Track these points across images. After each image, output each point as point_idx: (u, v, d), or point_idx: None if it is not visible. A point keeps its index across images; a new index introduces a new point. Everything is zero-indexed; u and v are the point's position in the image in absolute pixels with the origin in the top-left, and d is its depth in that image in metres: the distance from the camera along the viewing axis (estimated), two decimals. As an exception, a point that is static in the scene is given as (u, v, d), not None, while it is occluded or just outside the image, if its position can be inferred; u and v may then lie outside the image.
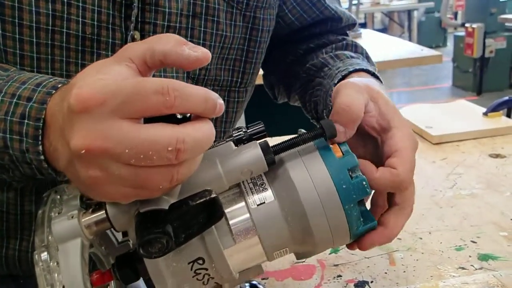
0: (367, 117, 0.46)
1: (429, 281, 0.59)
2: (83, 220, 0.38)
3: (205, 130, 0.34)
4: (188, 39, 0.58)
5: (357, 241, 0.44)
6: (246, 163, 0.38)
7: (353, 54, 0.67)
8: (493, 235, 0.67)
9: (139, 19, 0.55)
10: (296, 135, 0.42)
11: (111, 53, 0.54)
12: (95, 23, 0.53)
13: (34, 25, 0.51)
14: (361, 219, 0.42)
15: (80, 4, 0.52)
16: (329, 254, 0.66)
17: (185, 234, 0.35)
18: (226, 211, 0.39)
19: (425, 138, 1.07)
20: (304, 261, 0.64)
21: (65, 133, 0.34)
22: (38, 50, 0.52)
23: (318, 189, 0.39)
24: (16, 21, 0.51)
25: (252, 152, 0.39)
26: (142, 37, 0.56)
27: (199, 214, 0.35)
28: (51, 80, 0.42)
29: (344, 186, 0.40)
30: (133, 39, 0.55)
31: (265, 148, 0.39)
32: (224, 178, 0.38)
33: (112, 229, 0.38)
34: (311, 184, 0.39)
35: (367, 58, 0.70)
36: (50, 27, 0.51)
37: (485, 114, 1.12)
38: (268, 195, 0.40)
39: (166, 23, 0.56)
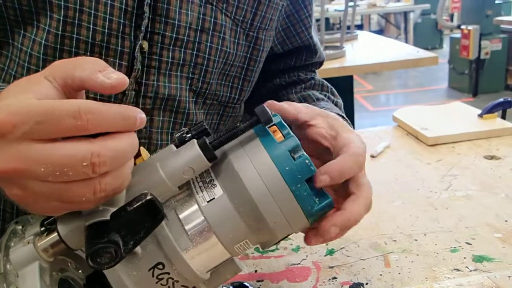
0: (317, 129, 0.50)
1: (424, 282, 0.59)
2: (39, 244, 0.39)
3: (124, 141, 0.34)
4: (195, 52, 0.60)
5: (317, 226, 0.44)
6: (186, 162, 0.39)
7: (318, 95, 0.70)
8: (488, 237, 0.68)
9: (149, 29, 0.56)
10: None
11: (119, 61, 0.56)
12: (106, 30, 0.54)
13: (46, 28, 0.53)
14: (316, 198, 0.42)
15: (92, 12, 0.53)
16: (324, 256, 0.66)
17: (133, 240, 0.35)
18: (178, 212, 0.40)
19: (421, 140, 1.07)
20: (299, 263, 0.64)
21: None
22: (45, 52, 0.53)
23: (262, 176, 0.40)
24: (35, 23, 0.53)
25: (191, 151, 0.39)
26: (150, 47, 0.57)
27: (140, 217, 0.36)
28: None
29: (287, 168, 0.40)
30: (141, 48, 0.56)
31: (202, 144, 0.39)
32: (167, 181, 0.38)
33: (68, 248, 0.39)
34: (255, 171, 0.40)
35: (333, 94, 0.74)
36: (60, 32, 0.53)
37: (480, 115, 1.12)
38: (217, 190, 0.40)
39: (174, 35, 0.57)
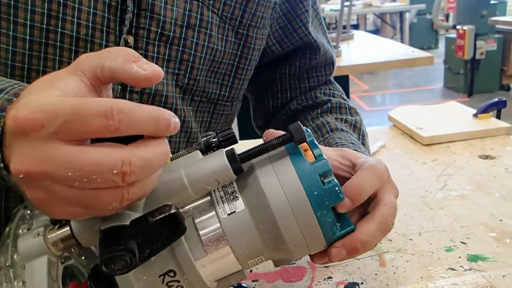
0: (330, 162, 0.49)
1: (419, 282, 0.59)
2: (49, 237, 0.37)
3: (156, 150, 0.32)
4: (180, 48, 0.59)
5: (325, 250, 0.42)
6: (212, 173, 0.37)
7: (333, 125, 0.69)
8: (483, 236, 0.68)
9: (134, 24, 0.56)
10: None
11: None
12: (90, 24, 0.53)
13: (28, 23, 0.52)
14: (338, 224, 0.41)
15: (76, 5, 0.52)
16: (320, 255, 0.66)
17: (149, 249, 0.34)
18: (196, 221, 0.39)
19: (416, 140, 1.07)
20: (294, 263, 0.64)
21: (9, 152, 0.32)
22: (30, 47, 0.53)
23: (288, 197, 0.38)
24: (11, 18, 0.51)
25: (218, 161, 0.38)
26: (136, 42, 0.56)
27: (160, 229, 0.34)
28: (15, 86, 0.41)
29: (315, 193, 0.38)
30: (126, 43, 0.56)
31: (231, 156, 0.38)
32: (190, 190, 0.37)
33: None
34: (281, 191, 0.38)
35: (351, 113, 0.73)
36: (44, 26, 0.52)
37: (475, 115, 1.13)
38: (239, 203, 0.39)
39: (159, 30, 0.57)
